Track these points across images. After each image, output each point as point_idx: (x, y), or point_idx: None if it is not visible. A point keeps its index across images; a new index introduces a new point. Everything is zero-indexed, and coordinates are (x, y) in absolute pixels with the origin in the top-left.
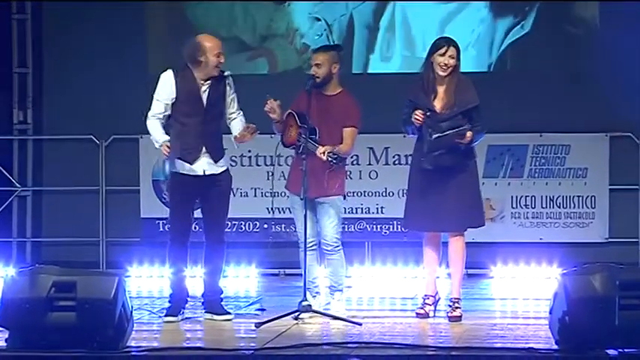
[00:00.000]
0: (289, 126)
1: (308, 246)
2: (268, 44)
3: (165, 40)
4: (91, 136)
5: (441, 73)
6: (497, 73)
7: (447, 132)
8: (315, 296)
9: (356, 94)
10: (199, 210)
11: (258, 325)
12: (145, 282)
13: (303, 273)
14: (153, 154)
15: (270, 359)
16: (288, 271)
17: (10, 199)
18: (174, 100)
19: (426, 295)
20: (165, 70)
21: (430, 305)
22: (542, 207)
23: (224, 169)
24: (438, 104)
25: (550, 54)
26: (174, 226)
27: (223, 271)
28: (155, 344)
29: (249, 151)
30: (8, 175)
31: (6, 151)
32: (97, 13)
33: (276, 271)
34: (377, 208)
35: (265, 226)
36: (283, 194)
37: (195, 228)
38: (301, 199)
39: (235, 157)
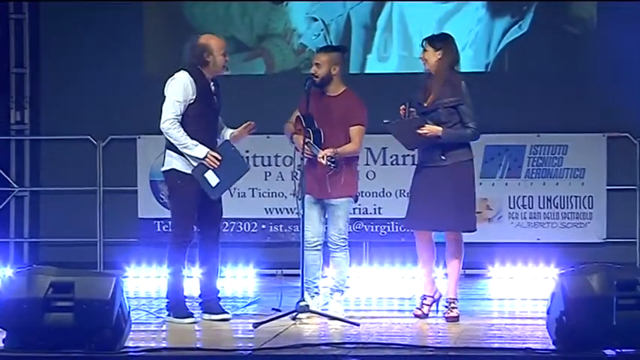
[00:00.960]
0: (298, 130)
1: (313, 246)
2: (265, 44)
3: (163, 41)
4: (89, 137)
5: (425, 68)
6: (494, 73)
7: (397, 119)
8: (313, 296)
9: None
10: None
11: (256, 325)
12: (143, 282)
13: (301, 273)
14: (150, 155)
15: (268, 359)
16: (286, 271)
17: (7, 200)
18: (192, 100)
19: (423, 296)
20: (179, 71)
21: (428, 305)
22: (539, 207)
23: None
24: (429, 99)
25: (548, 54)
26: (184, 227)
27: (220, 271)
28: (153, 344)
29: (247, 152)
30: (5, 176)
31: (3, 151)
32: (94, 14)
33: (273, 271)
34: (375, 209)
35: (263, 226)
36: (281, 194)
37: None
38: (299, 199)
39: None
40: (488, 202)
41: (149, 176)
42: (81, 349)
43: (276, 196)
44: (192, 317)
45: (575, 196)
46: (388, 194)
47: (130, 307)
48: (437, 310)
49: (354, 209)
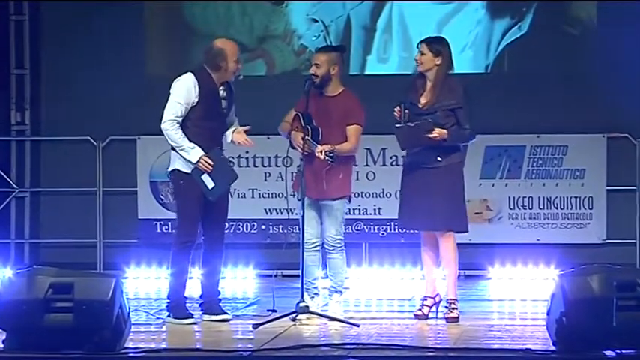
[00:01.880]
0: (296, 128)
1: (311, 247)
2: (266, 45)
3: (164, 41)
4: (89, 138)
5: (418, 69)
6: (494, 74)
7: (410, 123)
8: (313, 297)
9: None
10: None
11: (255, 326)
12: (143, 283)
13: (300, 274)
14: (150, 156)
15: None
16: (285, 272)
17: (7, 201)
18: (195, 103)
19: (424, 297)
20: (186, 73)
21: (428, 306)
22: (539, 208)
23: None
24: (423, 100)
25: (547, 55)
26: (188, 228)
27: (221, 273)
28: (153, 345)
29: (247, 152)
30: (6, 177)
31: (4, 152)
32: (94, 14)
33: (273, 272)
34: (374, 210)
35: (263, 227)
36: (280, 195)
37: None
38: (298, 200)
39: (232, 158)
40: (488, 202)
41: (149, 177)
42: (81, 349)
43: (275, 197)
44: (192, 318)
45: (575, 197)
46: (388, 195)
47: (129, 308)
48: (437, 312)
49: (353, 210)
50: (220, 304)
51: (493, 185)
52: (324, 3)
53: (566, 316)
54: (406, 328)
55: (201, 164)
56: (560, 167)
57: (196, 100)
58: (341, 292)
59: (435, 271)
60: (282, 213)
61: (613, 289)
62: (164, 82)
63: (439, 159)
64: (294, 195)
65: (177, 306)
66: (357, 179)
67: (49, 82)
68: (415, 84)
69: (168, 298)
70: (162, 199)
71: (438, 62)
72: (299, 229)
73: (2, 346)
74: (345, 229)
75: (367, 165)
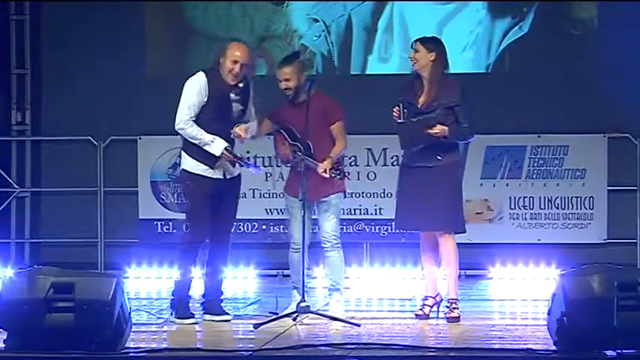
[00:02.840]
0: (281, 143)
1: (296, 247)
2: (266, 45)
3: (164, 42)
4: (90, 138)
5: (414, 68)
6: (495, 74)
7: (412, 118)
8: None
9: (354, 95)
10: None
11: (256, 326)
12: (144, 283)
13: (301, 274)
14: (151, 155)
15: None
16: (286, 272)
17: (8, 200)
18: (204, 102)
19: (425, 297)
20: (198, 72)
21: (429, 306)
22: (540, 208)
23: (239, 171)
24: (421, 100)
25: (548, 55)
26: (197, 229)
27: (224, 272)
28: (153, 345)
29: (247, 152)
30: (6, 177)
31: (4, 152)
32: (95, 14)
33: (274, 272)
34: (375, 209)
35: (264, 227)
36: (281, 195)
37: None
38: (300, 200)
39: None
40: (489, 202)
41: (150, 177)
42: (82, 349)
43: (276, 196)
44: (193, 318)
45: (576, 197)
46: (389, 195)
47: (130, 308)
48: (438, 312)
49: (354, 210)
50: (222, 304)
51: (494, 185)
52: (324, 3)
53: (567, 316)
54: (407, 328)
55: (224, 156)
56: (561, 167)
57: (206, 99)
58: (340, 290)
59: (436, 271)
60: (283, 213)
61: (614, 289)
62: (165, 82)
63: (439, 157)
64: (285, 196)
65: (180, 305)
66: (358, 179)
67: (50, 82)
68: (412, 85)
69: (172, 296)
70: (163, 199)
71: (432, 58)
72: (289, 229)
73: (3, 346)
74: (346, 229)
75: (368, 165)
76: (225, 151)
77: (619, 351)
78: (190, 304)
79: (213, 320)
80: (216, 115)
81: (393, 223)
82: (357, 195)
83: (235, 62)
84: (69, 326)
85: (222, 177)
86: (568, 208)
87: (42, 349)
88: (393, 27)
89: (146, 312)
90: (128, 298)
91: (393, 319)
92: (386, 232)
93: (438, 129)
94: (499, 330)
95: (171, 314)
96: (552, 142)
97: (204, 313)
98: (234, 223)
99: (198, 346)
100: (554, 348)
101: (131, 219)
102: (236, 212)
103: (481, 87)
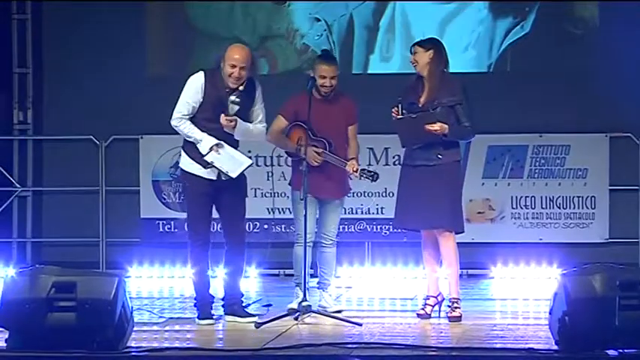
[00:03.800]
0: (299, 139)
1: (301, 240)
2: (268, 45)
3: (165, 41)
4: (91, 137)
5: (416, 70)
6: (497, 73)
7: (410, 115)
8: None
9: (356, 95)
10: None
11: (258, 325)
12: (145, 282)
13: (302, 273)
14: (153, 155)
15: (269, 359)
16: (288, 271)
17: (10, 200)
18: (200, 103)
19: (426, 296)
20: (199, 71)
21: (431, 306)
22: (542, 207)
23: (240, 172)
24: (422, 99)
25: (550, 54)
26: (197, 228)
27: (244, 272)
28: (155, 344)
29: (249, 152)
30: (8, 176)
31: (6, 151)
32: (97, 14)
33: (276, 271)
34: (377, 209)
35: (266, 226)
36: (283, 194)
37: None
38: (301, 200)
39: None
40: (490, 202)
41: (151, 176)
42: (83, 349)
43: (278, 196)
44: (211, 319)
45: (578, 197)
46: (390, 194)
47: (132, 307)
48: (439, 311)
49: (356, 209)
50: (243, 305)
51: (496, 184)
52: (326, 2)
53: (569, 316)
54: (408, 328)
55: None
56: (563, 167)
57: (201, 100)
58: (330, 284)
59: (438, 270)
60: (285, 212)
61: (616, 288)
62: (166, 81)
63: (440, 156)
64: (292, 192)
65: (201, 306)
66: (360, 179)
67: (52, 81)
68: (413, 86)
69: (195, 299)
70: (164, 199)
71: (431, 56)
72: (296, 226)
73: (5, 345)
74: (348, 229)
75: (370, 164)
76: (215, 147)
77: (621, 350)
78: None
79: (237, 322)
80: (211, 116)
81: (392, 222)
82: (359, 194)
83: (234, 66)
84: (71, 325)
85: (215, 178)
86: (570, 208)
87: (43, 349)
88: (395, 26)
89: (148, 311)
90: (130, 298)
91: (395, 318)
92: (387, 232)
93: (437, 126)
94: (501, 329)
95: (199, 317)
96: (554, 141)
97: (226, 314)
98: (246, 224)
99: (199, 345)
100: (555, 347)
101: (133, 218)
102: (244, 212)
103: (483, 86)
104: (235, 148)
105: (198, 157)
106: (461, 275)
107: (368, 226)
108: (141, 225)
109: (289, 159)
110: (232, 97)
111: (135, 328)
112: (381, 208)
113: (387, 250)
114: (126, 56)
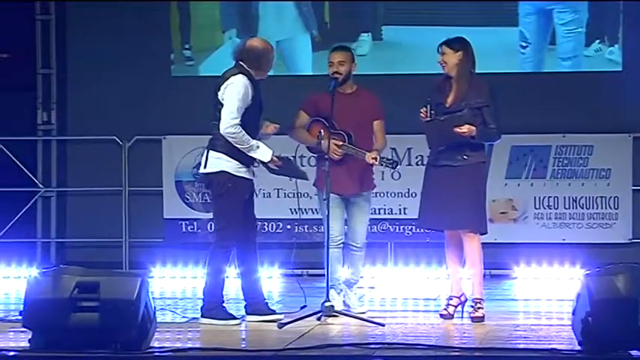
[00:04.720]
0: (319, 133)
1: (336, 244)
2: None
3: (189, 41)
4: (114, 137)
5: (444, 71)
6: (520, 73)
7: (440, 117)
8: (340, 292)
9: (381, 95)
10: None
11: (281, 325)
12: (168, 283)
13: (326, 274)
14: (176, 155)
15: None
16: (311, 271)
17: (34, 200)
18: (249, 104)
19: (450, 296)
20: (237, 75)
21: (454, 306)
22: (565, 208)
23: None
24: (449, 100)
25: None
26: (230, 230)
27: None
28: (178, 345)
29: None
30: (32, 176)
31: (30, 151)
32: (120, 14)
33: (299, 271)
34: (400, 209)
35: (288, 227)
36: (306, 195)
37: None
38: (324, 200)
39: None
40: (513, 202)
41: (174, 176)
42: (106, 349)
43: (301, 196)
44: (236, 319)
45: (601, 197)
46: (413, 194)
47: (155, 308)
48: (462, 312)
49: (378, 209)
50: (267, 302)
51: (519, 185)
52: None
53: (592, 316)
54: (431, 328)
55: (272, 163)
56: (586, 167)
57: (251, 102)
58: (357, 282)
59: (460, 270)
60: (307, 212)
61: (639, 289)
62: (189, 82)
63: (465, 157)
64: (317, 193)
65: (217, 307)
66: (383, 179)
67: (75, 81)
68: (441, 86)
69: (205, 300)
70: (187, 199)
71: (460, 57)
72: (324, 228)
73: (28, 345)
74: (371, 229)
75: None
76: (274, 157)
77: None
78: (226, 305)
79: (262, 321)
80: (255, 115)
81: (416, 222)
82: (382, 195)
83: (272, 59)
84: (94, 326)
85: (252, 177)
86: (593, 208)
87: (66, 349)
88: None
89: (171, 312)
90: (153, 298)
91: (418, 318)
92: (410, 232)
93: (465, 128)
94: (523, 330)
95: (203, 316)
96: (577, 141)
97: (247, 314)
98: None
99: (222, 345)
100: (578, 348)
101: (156, 219)
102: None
103: (506, 87)
104: None
105: (246, 160)
106: (484, 275)
107: (391, 227)
108: (164, 225)
109: (312, 159)
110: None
111: (158, 329)
112: (404, 208)
113: (410, 251)
114: (149, 57)
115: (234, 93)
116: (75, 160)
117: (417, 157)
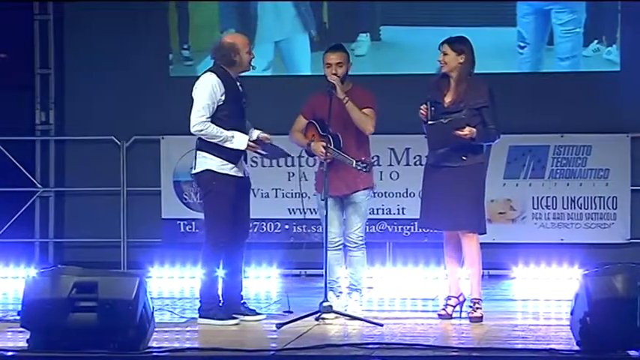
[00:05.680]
0: (312, 136)
1: (334, 245)
2: None
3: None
4: (112, 137)
5: (442, 70)
6: (518, 73)
7: (442, 118)
8: (338, 295)
9: (379, 95)
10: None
11: (279, 325)
12: (166, 283)
13: (324, 274)
14: (174, 155)
15: None
16: (309, 271)
17: (32, 200)
18: (221, 102)
19: (448, 296)
20: (205, 73)
21: (452, 306)
22: (563, 208)
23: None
24: (447, 99)
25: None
26: (222, 228)
27: (244, 272)
28: (176, 345)
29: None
30: (30, 176)
31: (28, 151)
32: (118, 14)
33: (297, 271)
34: (398, 209)
35: (286, 226)
36: (305, 195)
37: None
38: (322, 200)
39: (256, 157)
40: (511, 202)
41: (173, 177)
42: (104, 349)
43: (299, 196)
44: (234, 320)
45: (599, 197)
46: (411, 195)
47: (153, 308)
48: (460, 312)
49: (377, 210)
50: (245, 303)
51: (517, 185)
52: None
53: (590, 316)
54: (430, 328)
55: (250, 148)
56: (584, 167)
57: (222, 98)
58: (360, 290)
59: (459, 270)
60: (305, 213)
61: (637, 289)
62: (188, 82)
63: (464, 158)
64: (316, 194)
65: (214, 308)
66: (381, 179)
67: (74, 81)
68: (438, 84)
69: (200, 301)
70: (185, 199)
71: (462, 60)
72: (322, 229)
73: (26, 345)
74: (369, 229)
75: (391, 165)
76: (251, 143)
77: None
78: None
79: (246, 320)
80: (232, 112)
81: (417, 222)
82: (380, 195)
83: (250, 51)
84: (92, 326)
85: (242, 175)
86: (591, 208)
87: (65, 349)
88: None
89: (169, 312)
90: (151, 298)
91: (416, 319)
92: (409, 232)
93: (467, 131)
94: (522, 330)
95: (201, 316)
96: (575, 141)
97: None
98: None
99: (220, 346)
100: (577, 348)
101: (154, 219)
102: (250, 211)
103: (504, 87)
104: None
105: (229, 156)
106: (482, 276)
107: (389, 227)
108: (162, 225)
109: (310, 160)
110: (240, 88)
111: (156, 329)
112: (402, 208)
113: (408, 251)
114: (147, 57)
115: (199, 92)
116: (73, 160)
117: (415, 157)
